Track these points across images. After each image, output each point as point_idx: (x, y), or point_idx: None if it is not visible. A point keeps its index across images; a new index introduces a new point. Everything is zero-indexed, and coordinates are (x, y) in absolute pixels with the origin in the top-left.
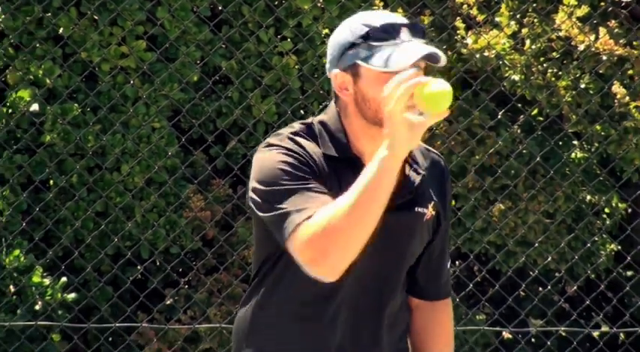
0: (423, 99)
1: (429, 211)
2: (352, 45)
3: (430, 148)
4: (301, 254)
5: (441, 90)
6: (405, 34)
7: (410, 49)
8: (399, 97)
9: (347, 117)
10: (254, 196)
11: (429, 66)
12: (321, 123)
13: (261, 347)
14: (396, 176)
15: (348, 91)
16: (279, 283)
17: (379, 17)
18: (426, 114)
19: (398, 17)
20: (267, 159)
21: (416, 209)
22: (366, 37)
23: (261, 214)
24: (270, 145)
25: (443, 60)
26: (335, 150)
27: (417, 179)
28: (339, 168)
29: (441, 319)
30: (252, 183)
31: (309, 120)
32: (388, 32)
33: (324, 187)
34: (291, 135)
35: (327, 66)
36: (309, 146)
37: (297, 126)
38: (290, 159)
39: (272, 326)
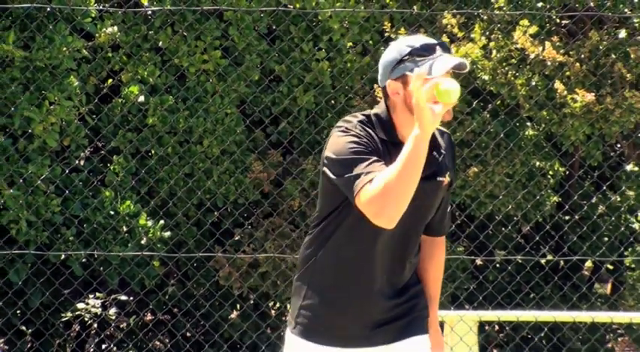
0: (439, 93)
1: (446, 178)
2: (400, 61)
3: (440, 127)
4: (366, 208)
5: (451, 87)
6: (438, 50)
7: (445, 60)
8: (424, 92)
9: (396, 112)
10: (330, 164)
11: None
12: (376, 115)
13: (324, 281)
14: (427, 149)
15: (399, 95)
16: (339, 230)
17: (418, 40)
18: (441, 104)
19: (430, 39)
20: (342, 138)
21: (437, 178)
22: (411, 54)
23: (334, 178)
24: (344, 130)
25: (467, 67)
26: (385, 135)
27: (439, 157)
28: (389, 148)
29: (440, 249)
30: (330, 155)
31: (368, 112)
32: (426, 50)
33: (381, 160)
34: (357, 123)
35: (380, 79)
36: (370, 131)
37: (359, 116)
38: (358, 140)
39: (333, 264)
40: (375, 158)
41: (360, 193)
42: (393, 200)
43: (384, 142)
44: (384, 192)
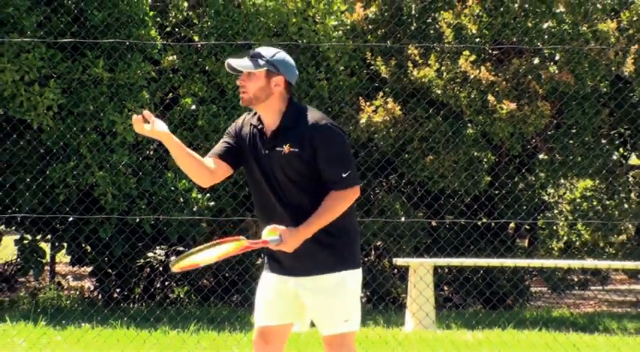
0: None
1: (285, 148)
2: None
3: (318, 117)
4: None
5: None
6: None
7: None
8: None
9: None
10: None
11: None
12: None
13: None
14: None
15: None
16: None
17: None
18: (270, 239)
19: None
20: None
21: (276, 148)
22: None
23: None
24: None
25: (239, 68)
26: (256, 121)
27: (281, 137)
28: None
29: (329, 197)
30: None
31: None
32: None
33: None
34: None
35: None
36: (243, 120)
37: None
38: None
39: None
40: (223, 140)
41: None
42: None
43: (252, 124)
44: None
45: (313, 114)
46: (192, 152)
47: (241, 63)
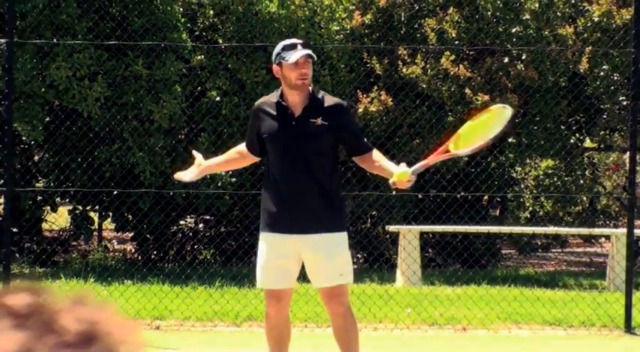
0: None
1: (317, 121)
2: (278, 54)
3: (337, 99)
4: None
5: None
6: (299, 46)
7: (298, 53)
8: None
9: (283, 84)
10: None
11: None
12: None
13: None
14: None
15: (279, 73)
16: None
17: (288, 41)
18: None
19: (295, 39)
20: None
21: (309, 119)
22: (283, 50)
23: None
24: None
25: (314, 57)
26: (279, 97)
27: (315, 111)
28: (279, 106)
29: (374, 157)
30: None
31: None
32: (290, 47)
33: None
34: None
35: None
36: (266, 100)
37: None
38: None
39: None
40: (248, 133)
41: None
42: None
43: (277, 104)
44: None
45: (330, 96)
46: (228, 158)
47: (311, 52)
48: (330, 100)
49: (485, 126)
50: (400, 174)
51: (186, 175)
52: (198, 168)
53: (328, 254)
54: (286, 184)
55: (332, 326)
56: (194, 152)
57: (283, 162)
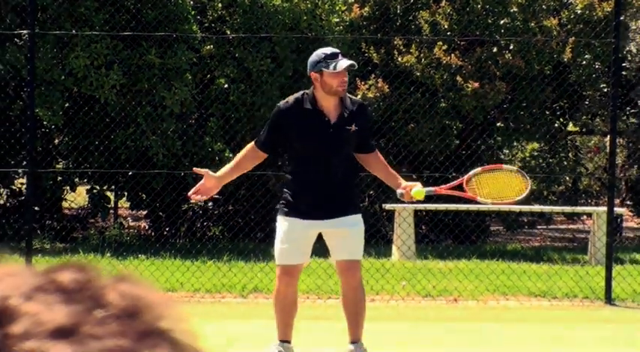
0: (415, 194)
1: (352, 127)
2: (318, 62)
3: (358, 100)
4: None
5: (418, 190)
6: (340, 56)
7: (342, 63)
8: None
9: (317, 91)
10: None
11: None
12: (306, 93)
13: None
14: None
15: (317, 81)
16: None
17: (329, 50)
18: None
19: (336, 49)
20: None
21: (346, 127)
22: (324, 58)
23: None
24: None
25: (356, 66)
26: (310, 105)
27: (347, 117)
28: (311, 113)
29: (373, 157)
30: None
31: (302, 92)
32: (333, 56)
33: None
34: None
35: (308, 71)
36: (297, 104)
37: (295, 95)
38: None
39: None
40: (268, 132)
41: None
42: None
43: (309, 110)
44: None
45: (351, 97)
46: (240, 161)
47: (354, 62)
48: (355, 103)
49: (504, 185)
50: (417, 192)
51: (203, 195)
52: (211, 182)
53: (351, 232)
54: (316, 178)
55: (343, 299)
56: (198, 170)
57: (315, 160)
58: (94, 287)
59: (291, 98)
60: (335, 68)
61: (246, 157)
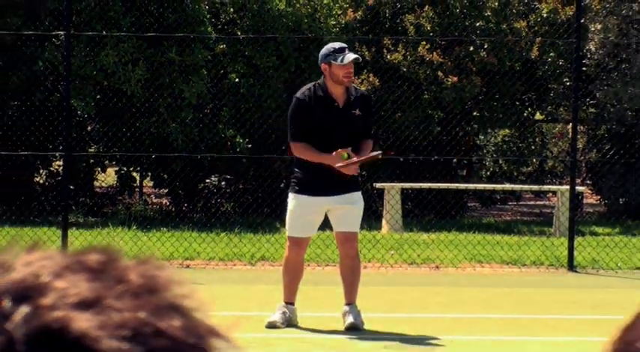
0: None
1: (357, 111)
2: (327, 55)
3: (363, 90)
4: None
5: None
6: (347, 50)
7: (349, 56)
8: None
9: (327, 80)
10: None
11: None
12: (318, 83)
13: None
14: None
15: (326, 71)
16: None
17: (337, 44)
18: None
19: (343, 44)
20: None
21: (351, 111)
22: (333, 52)
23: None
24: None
25: (360, 59)
26: (322, 93)
27: (353, 102)
28: (323, 100)
29: (367, 143)
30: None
31: (314, 82)
32: (340, 50)
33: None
34: (311, 86)
35: (319, 62)
36: (314, 92)
37: (310, 85)
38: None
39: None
40: (299, 123)
41: None
42: None
43: (321, 97)
44: None
45: (356, 88)
46: (314, 152)
47: (358, 56)
48: (359, 93)
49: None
50: (339, 153)
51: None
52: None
53: (352, 208)
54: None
55: (340, 267)
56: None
57: (327, 141)
58: (117, 267)
59: (304, 89)
60: (342, 61)
61: (310, 148)
